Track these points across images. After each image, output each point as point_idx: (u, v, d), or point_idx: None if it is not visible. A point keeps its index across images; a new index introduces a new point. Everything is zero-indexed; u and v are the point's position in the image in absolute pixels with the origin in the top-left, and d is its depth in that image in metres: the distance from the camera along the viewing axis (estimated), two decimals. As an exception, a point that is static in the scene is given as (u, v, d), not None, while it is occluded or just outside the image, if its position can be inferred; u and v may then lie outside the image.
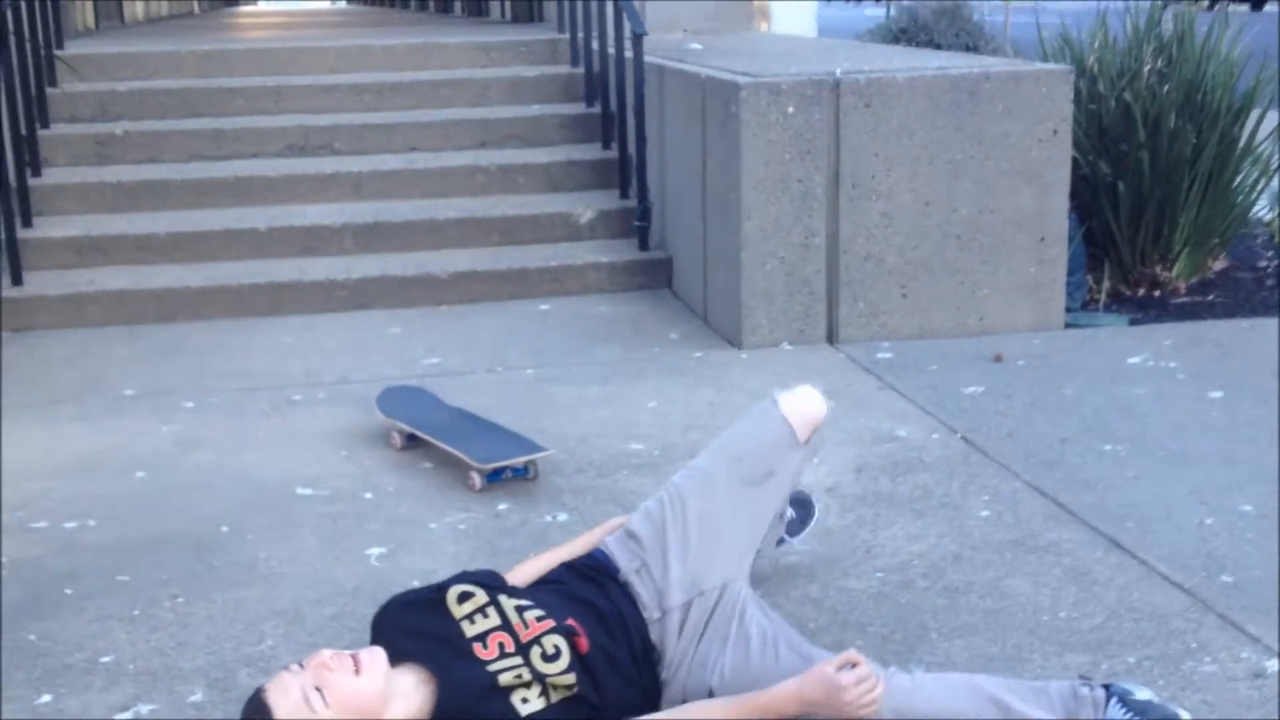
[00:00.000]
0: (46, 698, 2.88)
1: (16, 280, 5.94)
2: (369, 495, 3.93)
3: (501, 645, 2.45)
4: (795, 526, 3.30)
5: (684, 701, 2.56)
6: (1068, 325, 5.50)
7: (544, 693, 2.42)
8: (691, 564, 2.67)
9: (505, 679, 2.40)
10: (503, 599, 2.55)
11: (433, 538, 3.63)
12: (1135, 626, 3.05)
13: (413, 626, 2.50)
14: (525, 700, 2.40)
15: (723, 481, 2.78)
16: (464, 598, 2.54)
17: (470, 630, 2.48)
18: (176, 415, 4.68)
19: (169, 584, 3.40)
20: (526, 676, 2.42)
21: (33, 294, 5.84)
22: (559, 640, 2.49)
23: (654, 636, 2.62)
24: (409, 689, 2.38)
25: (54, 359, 5.39)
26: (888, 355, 5.11)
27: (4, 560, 3.56)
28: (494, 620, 2.49)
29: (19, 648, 3.09)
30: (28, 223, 6.33)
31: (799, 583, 3.30)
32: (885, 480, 3.91)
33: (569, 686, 2.44)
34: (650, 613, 2.65)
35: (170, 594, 3.35)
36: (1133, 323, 5.69)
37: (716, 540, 2.70)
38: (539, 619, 2.52)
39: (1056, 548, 3.46)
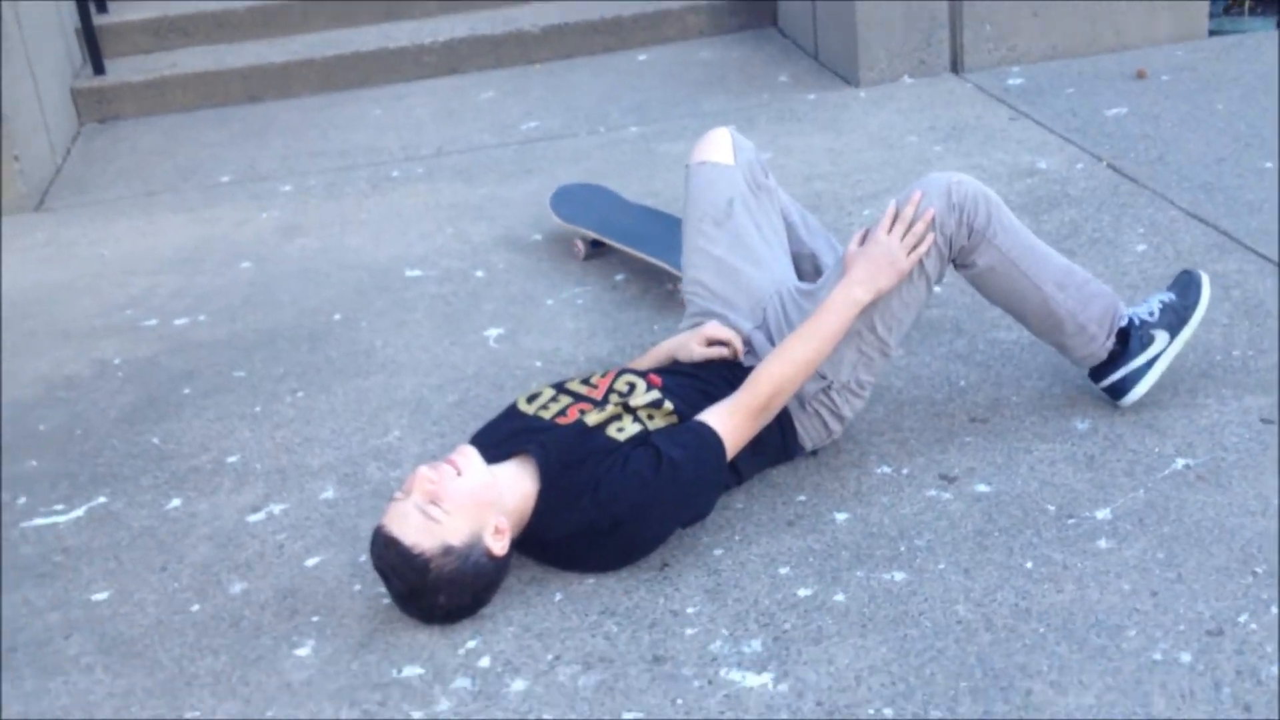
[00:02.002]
0: (176, 502, 2.81)
1: (99, 69, 5.76)
2: (480, 274, 3.76)
3: (581, 410, 2.50)
4: None
5: None
6: (1211, 33, 5.05)
7: (638, 420, 2.46)
8: (741, 301, 2.75)
9: (592, 419, 2.46)
10: (568, 384, 2.61)
11: (550, 315, 3.46)
12: (1320, 363, 2.80)
13: (496, 437, 2.51)
14: (621, 430, 2.44)
15: (705, 243, 2.81)
16: (532, 398, 2.59)
17: (547, 414, 2.52)
18: (275, 200, 4.52)
19: (287, 378, 3.29)
20: (613, 411, 2.48)
21: (116, 82, 5.65)
22: (630, 378, 2.57)
23: (751, 363, 2.64)
24: (514, 475, 2.39)
25: (143, 148, 5.24)
26: (1019, 81, 4.74)
27: (117, 361, 3.48)
28: (566, 400, 2.54)
29: (143, 452, 3.02)
30: (103, 8, 6.11)
31: (945, 337, 3.08)
32: (1028, 219, 3.63)
33: (666, 411, 2.48)
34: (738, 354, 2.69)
35: (290, 389, 3.24)
36: (1282, 25, 5.21)
37: (742, 276, 2.77)
38: (603, 375, 2.60)
39: (1223, 280, 3.19)
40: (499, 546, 2.28)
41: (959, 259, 2.61)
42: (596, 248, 3.74)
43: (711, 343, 2.69)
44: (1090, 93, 4.53)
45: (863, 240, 2.57)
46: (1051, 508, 2.46)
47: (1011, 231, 2.60)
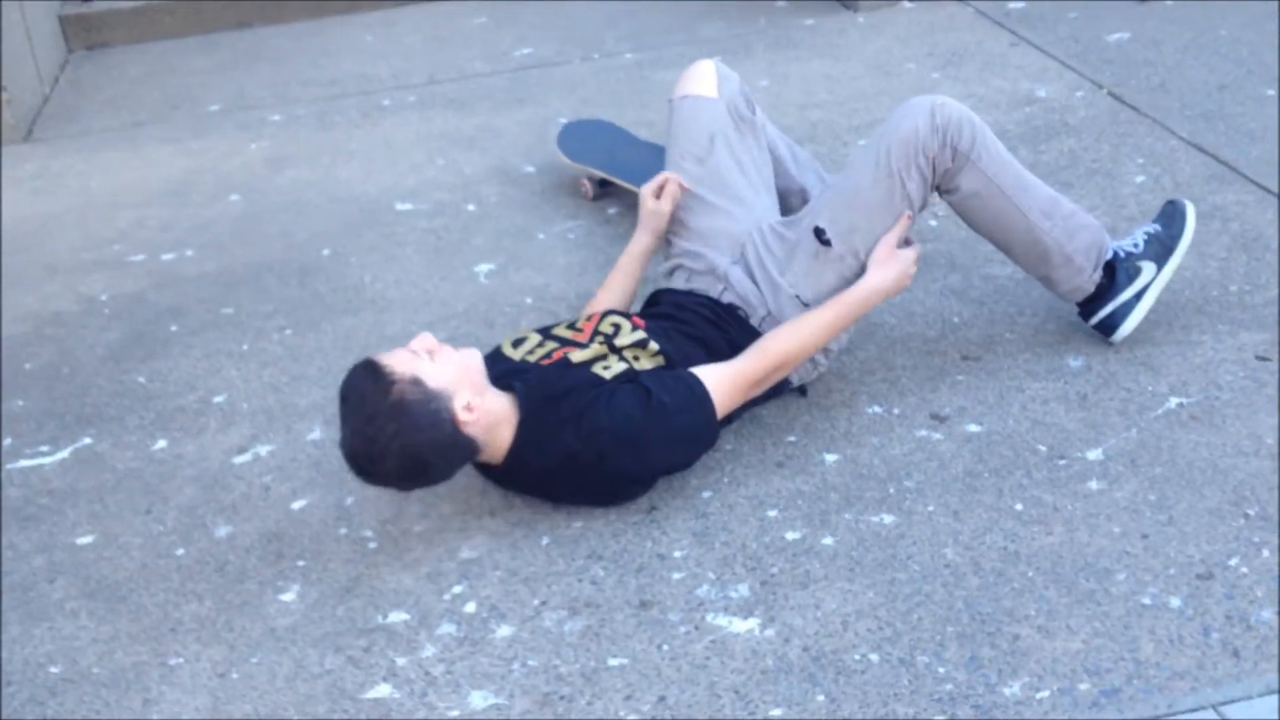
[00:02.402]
0: (162, 443, 2.79)
1: (85, -6, 5.66)
2: (471, 207, 3.71)
3: (567, 353, 2.48)
4: None
5: None
6: (1218, -46, 4.94)
7: (623, 360, 2.45)
8: (720, 239, 2.69)
9: (578, 357, 2.45)
10: (554, 329, 2.58)
11: (542, 249, 3.41)
12: (1318, 298, 2.77)
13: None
14: (606, 368, 2.42)
15: (686, 180, 2.75)
16: (518, 342, 2.56)
17: (532, 359, 2.49)
18: (264, 130, 4.46)
19: (275, 315, 3.26)
20: (599, 351, 2.46)
21: (103, 8, 5.55)
22: (615, 319, 2.55)
23: (730, 299, 2.63)
24: (498, 400, 2.37)
25: (131, 76, 5.16)
26: (1020, 5, 4.65)
27: (105, 297, 3.45)
28: (552, 345, 2.52)
29: (129, 390, 3.00)
30: (88, -69, 5.98)
31: (938, 273, 3.04)
32: (1026, 149, 3.57)
33: (652, 352, 2.46)
34: (714, 288, 2.65)
35: (278, 326, 3.21)
36: (1292, -55, 5.10)
37: (721, 213, 2.72)
38: (588, 319, 2.57)
39: (1222, 212, 3.14)
40: (464, 417, 2.27)
41: (943, 184, 2.57)
42: (604, 187, 3.61)
43: (659, 195, 2.73)
44: (1093, 16, 4.45)
45: (902, 239, 2.56)
46: (1043, 448, 2.43)
47: (996, 156, 2.56)
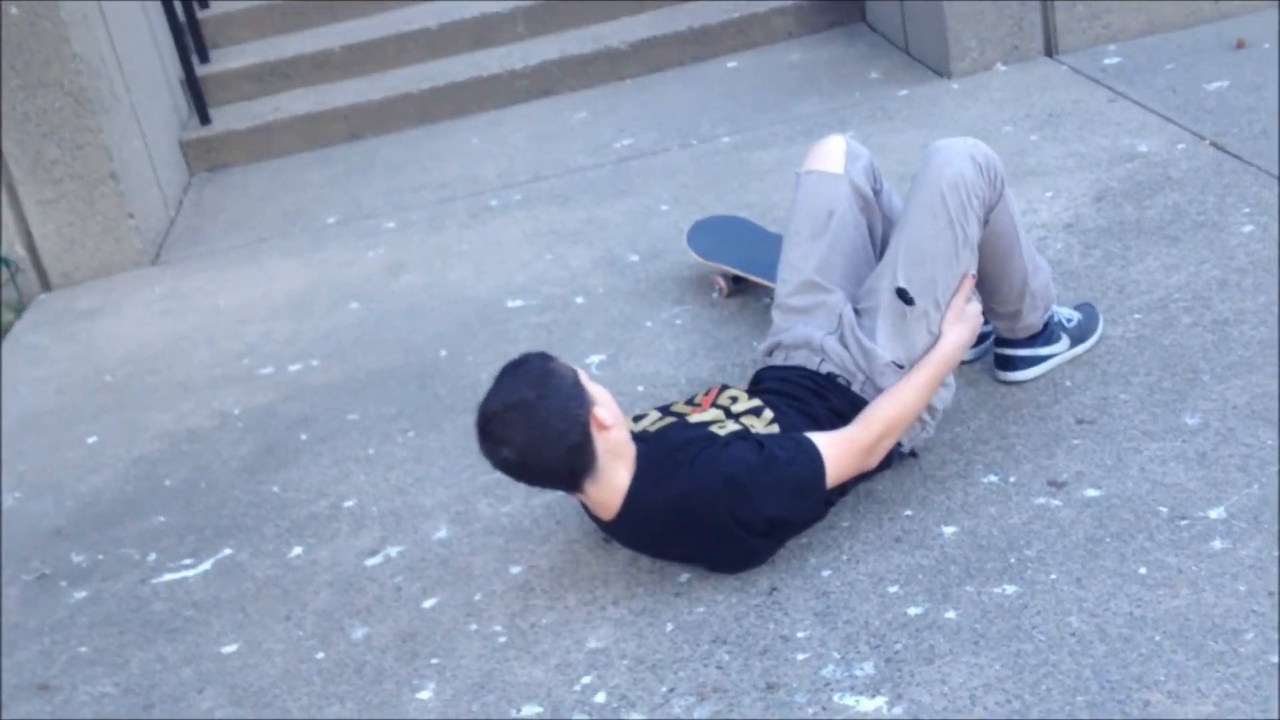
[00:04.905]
0: (298, 550, 2.89)
1: (204, 119, 5.93)
2: (580, 300, 3.80)
3: (685, 418, 2.61)
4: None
5: None
6: (1316, -8, 4.88)
7: (739, 423, 2.54)
8: (820, 313, 2.76)
9: (694, 419, 2.58)
10: (673, 406, 2.69)
11: (650, 337, 3.48)
12: None
13: None
14: (722, 427, 2.53)
15: (799, 258, 2.81)
16: (639, 418, 2.66)
17: (654, 429, 2.59)
18: (380, 238, 4.62)
19: (398, 418, 3.37)
20: (717, 415, 2.57)
21: (221, 130, 5.82)
22: (732, 392, 2.66)
23: (829, 369, 2.68)
24: (628, 438, 2.49)
25: (252, 194, 5.39)
26: (1115, 60, 4.64)
27: (237, 411, 3.59)
28: (671, 419, 2.62)
29: (264, 501, 3.12)
30: (204, 58, 6.29)
31: (1048, 336, 3.04)
32: (1130, 206, 3.56)
33: (766, 420, 2.55)
34: (812, 360, 2.71)
35: (401, 428, 3.32)
36: (1393, -24, 5.01)
37: (823, 293, 2.77)
38: (706, 393, 2.69)
39: (1336, 257, 3.10)
40: (597, 426, 2.39)
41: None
42: (738, 284, 3.58)
43: None
44: (1190, 67, 4.42)
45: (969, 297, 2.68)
46: (1164, 509, 2.41)
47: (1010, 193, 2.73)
